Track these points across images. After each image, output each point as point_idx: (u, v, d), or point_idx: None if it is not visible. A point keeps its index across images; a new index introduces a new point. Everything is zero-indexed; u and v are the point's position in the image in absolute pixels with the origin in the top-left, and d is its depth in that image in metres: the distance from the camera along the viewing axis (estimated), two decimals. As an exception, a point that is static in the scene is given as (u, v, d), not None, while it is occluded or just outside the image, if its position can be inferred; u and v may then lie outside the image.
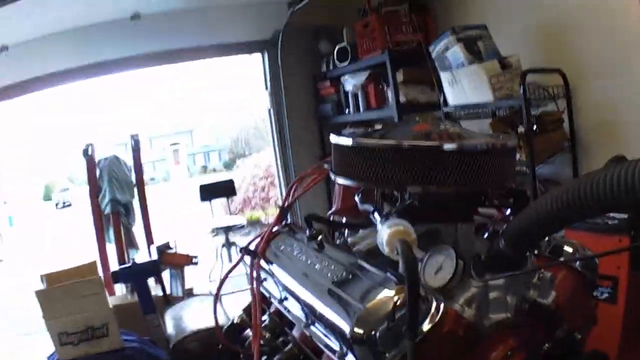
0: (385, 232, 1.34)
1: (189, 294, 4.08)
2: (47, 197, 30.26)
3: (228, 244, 6.23)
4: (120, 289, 4.40)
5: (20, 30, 3.54)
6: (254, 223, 11.15)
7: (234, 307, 2.97)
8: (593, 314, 1.72)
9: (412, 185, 1.47)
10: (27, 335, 6.31)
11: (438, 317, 1.27)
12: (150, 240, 4.95)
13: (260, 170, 11.89)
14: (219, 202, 7.56)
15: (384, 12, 4.35)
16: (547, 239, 1.60)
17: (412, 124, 1.63)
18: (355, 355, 1.33)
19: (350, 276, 1.49)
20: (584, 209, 1.17)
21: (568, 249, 1.62)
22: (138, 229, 5.16)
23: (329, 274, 1.55)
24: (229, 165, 28.70)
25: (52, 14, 3.48)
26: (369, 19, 4.38)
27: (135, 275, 3.54)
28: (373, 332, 1.28)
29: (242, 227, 7.04)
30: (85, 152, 4.66)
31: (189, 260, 3.82)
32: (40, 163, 32.05)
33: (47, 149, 32.55)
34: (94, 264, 3.29)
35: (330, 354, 1.44)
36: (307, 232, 1.74)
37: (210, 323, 2.91)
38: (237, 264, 2.03)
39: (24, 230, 20.56)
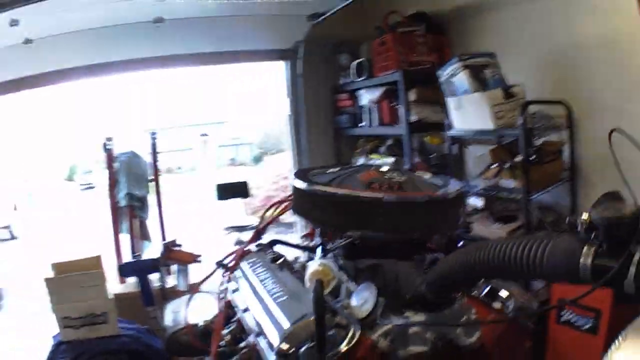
0: (309, 270, 1.54)
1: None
2: (71, 178, 30.32)
3: (240, 244, 6.33)
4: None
5: (45, 26, 3.67)
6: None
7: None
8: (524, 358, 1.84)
9: (351, 230, 1.66)
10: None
11: (353, 343, 1.45)
12: (162, 234, 5.12)
13: (284, 169, 11.97)
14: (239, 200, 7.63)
15: (400, 31, 4.45)
16: (483, 281, 1.71)
17: (362, 170, 1.81)
18: None
19: (289, 299, 1.67)
20: (484, 272, 1.34)
21: (503, 294, 1.73)
22: (152, 222, 5.34)
23: (275, 294, 1.74)
24: (257, 160, 28.77)
25: (76, 14, 3.63)
26: (386, 37, 4.48)
27: (138, 271, 3.83)
28: (296, 349, 1.47)
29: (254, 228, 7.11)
30: (105, 146, 4.83)
31: (193, 258, 3.97)
32: (68, 145, 32.11)
33: (77, 133, 32.71)
34: (99, 257, 3.46)
35: None
36: (270, 253, 1.95)
37: (205, 318, 3.11)
38: (211, 275, 2.27)
39: (43, 208, 20.60)
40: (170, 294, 3.82)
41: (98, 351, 3.11)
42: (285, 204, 2.19)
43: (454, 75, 3.72)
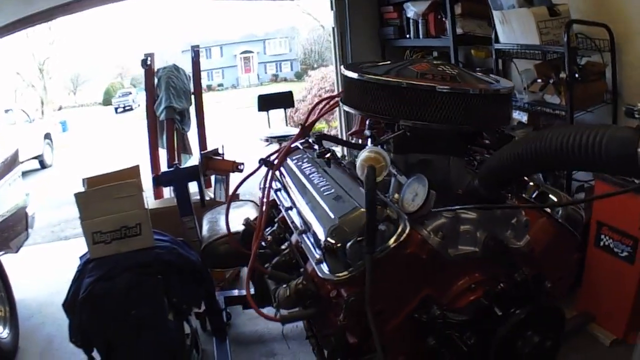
0: (360, 157, 1.48)
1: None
2: (107, 102, 29.75)
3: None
4: (169, 192, 4.64)
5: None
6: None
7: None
8: (572, 269, 1.81)
9: (404, 120, 1.60)
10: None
11: (403, 238, 1.41)
12: (203, 147, 5.13)
13: (327, 83, 11.88)
14: (281, 114, 7.55)
15: (450, -55, 4.33)
16: (535, 184, 1.68)
17: (415, 63, 1.75)
18: (327, 263, 1.49)
19: (338, 193, 1.65)
20: (540, 163, 1.27)
21: (553, 197, 1.69)
22: (192, 135, 5.37)
23: (323, 189, 1.71)
24: (300, 76, 28.62)
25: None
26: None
27: (175, 179, 3.73)
28: (342, 244, 1.44)
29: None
30: (144, 61, 4.81)
31: (234, 166, 3.85)
32: (101, 68, 31.94)
33: (112, 53, 32.63)
34: (137, 167, 3.34)
35: (311, 259, 1.59)
36: (317, 149, 1.88)
37: (241, 227, 3.12)
38: (254, 172, 2.22)
39: (79, 135, 20.31)
40: (208, 205, 3.84)
41: (130, 264, 2.95)
42: (334, 100, 2.14)
43: (501, -11, 3.63)
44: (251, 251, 1.99)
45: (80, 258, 3.18)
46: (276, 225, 2.13)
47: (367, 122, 1.94)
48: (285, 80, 30.22)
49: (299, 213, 1.80)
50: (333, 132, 11.04)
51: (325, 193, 1.70)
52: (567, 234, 1.71)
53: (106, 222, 2.99)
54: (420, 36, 4.97)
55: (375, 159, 1.47)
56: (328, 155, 1.86)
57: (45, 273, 5.19)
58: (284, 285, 1.77)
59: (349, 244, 1.44)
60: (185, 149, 5.30)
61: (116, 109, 27.07)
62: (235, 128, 14.66)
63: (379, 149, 1.51)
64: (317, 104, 2.21)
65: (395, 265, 1.44)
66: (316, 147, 1.93)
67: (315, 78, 12.89)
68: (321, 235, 1.53)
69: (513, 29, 3.65)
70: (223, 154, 4.02)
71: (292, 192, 1.93)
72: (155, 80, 4.99)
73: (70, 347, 3.12)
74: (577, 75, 3.36)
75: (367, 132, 1.87)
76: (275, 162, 2.16)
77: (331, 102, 2.16)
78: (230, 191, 2.86)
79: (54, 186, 10.39)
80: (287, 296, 1.73)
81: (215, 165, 3.93)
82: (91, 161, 12.42)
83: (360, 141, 2.13)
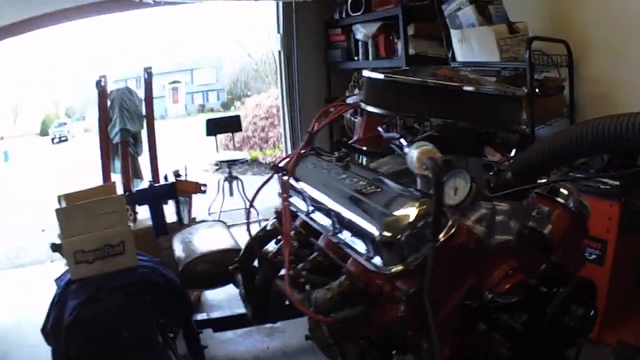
0: (415, 151, 1.54)
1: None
2: (44, 132, 29.43)
3: (231, 178, 6.32)
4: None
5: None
6: (251, 162, 11.26)
7: (239, 235, 3.17)
8: (583, 255, 1.92)
9: (435, 117, 1.69)
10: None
11: (453, 230, 1.47)
12: (156, 170, 5.09)
13: (262, 110, 11.97)
14: (219, 140, 7.57)
15: (399, -34, 4.45)
16: (545, 181, 1.76)
17: (433, 68, 1.85)
18: (382, 257, 1.52)
19: (377, 189, 1.68)
20: (584, 149, 1.36)
21: (564, 191, 1.80)
22: (143, 160, 5.32)
23: (356, 187, 1.74)
24: (227, 106, 28.56)
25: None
26: (385, -27, 4.48)
27: (152, 197, 3.68)
28: (399, 237, 1.48)
29: (246, 161, 7.02)
30: (98, 83, 4.76)
31: (198, 187, 3.87)
32: (37, 97, 31.31)
33: (45, 83, 31.91)
34: (113, 185, 3.35)
35: (357, 257, 1.62)
36: (336, 154, 1.93)
37: (219, 246, 3.09)
38: (269, 180, 2.21)
39: (20, 165, 19.75)
40: (172, 228, 3.81)
41: (117, 285, 2.86)
42: (342, 107, 2.20)
43: (460, 9, 3.81)
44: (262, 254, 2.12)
45: (56, 281, 3.08)
46: (294, 231, 2.11)
47: (382, 127, 2.00)
48: (212, 110, 29.98)
49: (329, 214, 1.82)
50: (268, 160, 11.15)
51: (363, 190, 1.72)
52: (579, 224, 1.82)
53: (89, 241, 2.89)
54: (370, 58, 5.07)
55: (433, 152, 1.53)
56: (347, 158, 1.92)
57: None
58: (324, 288, 1.77)
59: (404, 236, 1.48)
60: (137, 173, 5.25)
61: (52, 139, 26.43)
62: (177, 156, 14.58)
63: (428, 143, 1.57)
64: (321, 113, 2.25)
65: (446, 256, 1.48)
66: (320, 153, 2.03)
67: (249, 105, 12.95)
68: (372, 230, 1.56)
69: (472, 47, 3.78)
70: (186, 175, 4.02)
71: (315, 195, 1.94)
72: (109, 103, 4.94)
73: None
74: (537, 91, 3.53)
75: (392, 135, 1.93)
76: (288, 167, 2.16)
77: (339, 109, 2.21)
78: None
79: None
80: (328, 298, 1.73)
81: (180, 186, 3.91)
82: (39, 191, 12.15)
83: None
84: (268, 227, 2.33)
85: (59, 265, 3.72)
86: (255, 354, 4.10)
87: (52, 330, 2.89)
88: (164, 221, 3.71)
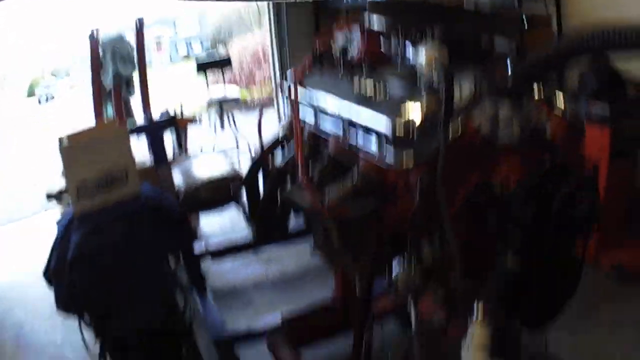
0: (424, 50, 1.67)
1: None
2: (32, 94, 29.36)
3: (222, 111, 6.35)
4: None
5: None
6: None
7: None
8: (582, 160, 2.01)
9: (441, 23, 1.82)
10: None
11: (460, 127, 1.60)
12: (148, 110, 5.18)
13: (248, 51, 11.89)
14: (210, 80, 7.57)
15: None
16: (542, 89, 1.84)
17: None
18: (395, 154, 1.64)
19: (385, 89, 1.78)
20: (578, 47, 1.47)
21: (560, 101, 1.85)
22: (134, 101, 5.39)
23: (364, 89, 1.83)
24: (211, 54, 28.35)
25: None
26: None
27: (152, 130, 3.79)
28: (410, 133, 1.60)
29: (237, 100, 7.02)
30: (91, 36, 4.81)
31: (191, 119, 4.02)
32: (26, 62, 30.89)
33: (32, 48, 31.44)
34: (114, 121, 3.36)
35: (369, 156, 1.74)
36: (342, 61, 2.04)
37: (219, 174, 3.17)
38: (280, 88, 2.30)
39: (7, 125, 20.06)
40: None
41: (120, 214, 2.84)
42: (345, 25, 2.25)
43: None
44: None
45: (58, 223, 3.03)
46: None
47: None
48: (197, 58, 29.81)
49: (339, 118, 1.91)
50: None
51: (372, 92, 1.81)
52: (576, 131, 1.91)
53: (92, 173, 2.84)
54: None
55: (441, 50, 1.64)
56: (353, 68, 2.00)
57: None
58: (337, 187, 1.87)
59: (416, 132, 1.60)
60: (129, 113, 5.37)
61: (39, 100, 26.34)
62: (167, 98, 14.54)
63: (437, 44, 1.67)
64: (324, 34, 2.28)
65: (454, 153, 1.59)
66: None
67: (234, 49, 12.85)
68: (384, 128, 1.66)
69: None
70: (182, 112, 4.13)
71: (324, 99, 2.01)
72: (101, 51, 5.00)
73: (43, 328, 3.12)
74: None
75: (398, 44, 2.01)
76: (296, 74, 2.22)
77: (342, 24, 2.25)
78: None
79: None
80: (342, 195, 1.84)
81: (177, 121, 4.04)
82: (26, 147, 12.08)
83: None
84: (280, 135, 2.47)
85: (55, 214, 3.71)
86: (255, 281, 4.24)
87: (55, 271, 2.85)
88: (164, 151, 3.79)
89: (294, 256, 4.41)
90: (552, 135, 1.77)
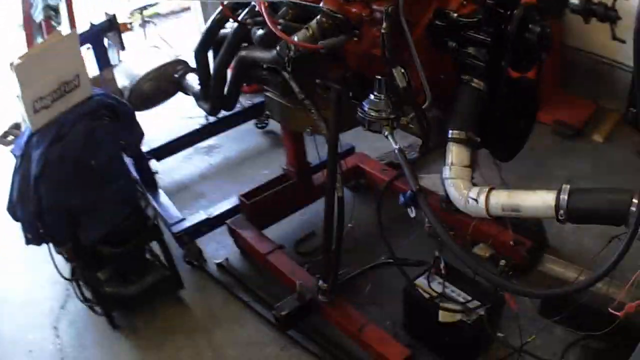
0: None
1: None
2: None
3: (144, 23, 6.36)
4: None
5: None
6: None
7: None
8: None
9: None
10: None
11: None
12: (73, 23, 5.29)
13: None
14: None
15: None
16: None
17: None
18: None
19: None
20: None
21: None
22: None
23: None
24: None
25: None
26: None
27: (94, 36, 3.82)
28: None
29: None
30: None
31: (125, 26, 4.20)
32: None
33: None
34: (59, 32, 3.39)
35: None
36: None
37: (159, 62, 3.36)
38: None
39: None
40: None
41: (77, 117, 2.85)
42: None
43: None
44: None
45: (13, 150, 3.06)
46: None
47: None
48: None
49: None
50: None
51: None
52: None
53: (46, 84, 2.84)
54: None
55: None
56: None
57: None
58: (304, 28, 1.95)
59: None
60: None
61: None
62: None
63: None
64: None
65: None
66: None
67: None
68: None
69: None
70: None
71: None
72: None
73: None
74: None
75: None
76: None
77: None
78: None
79: None
80: (309, 35, 1.93)
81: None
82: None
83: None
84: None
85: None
86: (200, 172, 4.45)
87: (19, 196, 2.90)
88: (106, 55, 3.85)
89: (233, 144, 4.64)
90: None
